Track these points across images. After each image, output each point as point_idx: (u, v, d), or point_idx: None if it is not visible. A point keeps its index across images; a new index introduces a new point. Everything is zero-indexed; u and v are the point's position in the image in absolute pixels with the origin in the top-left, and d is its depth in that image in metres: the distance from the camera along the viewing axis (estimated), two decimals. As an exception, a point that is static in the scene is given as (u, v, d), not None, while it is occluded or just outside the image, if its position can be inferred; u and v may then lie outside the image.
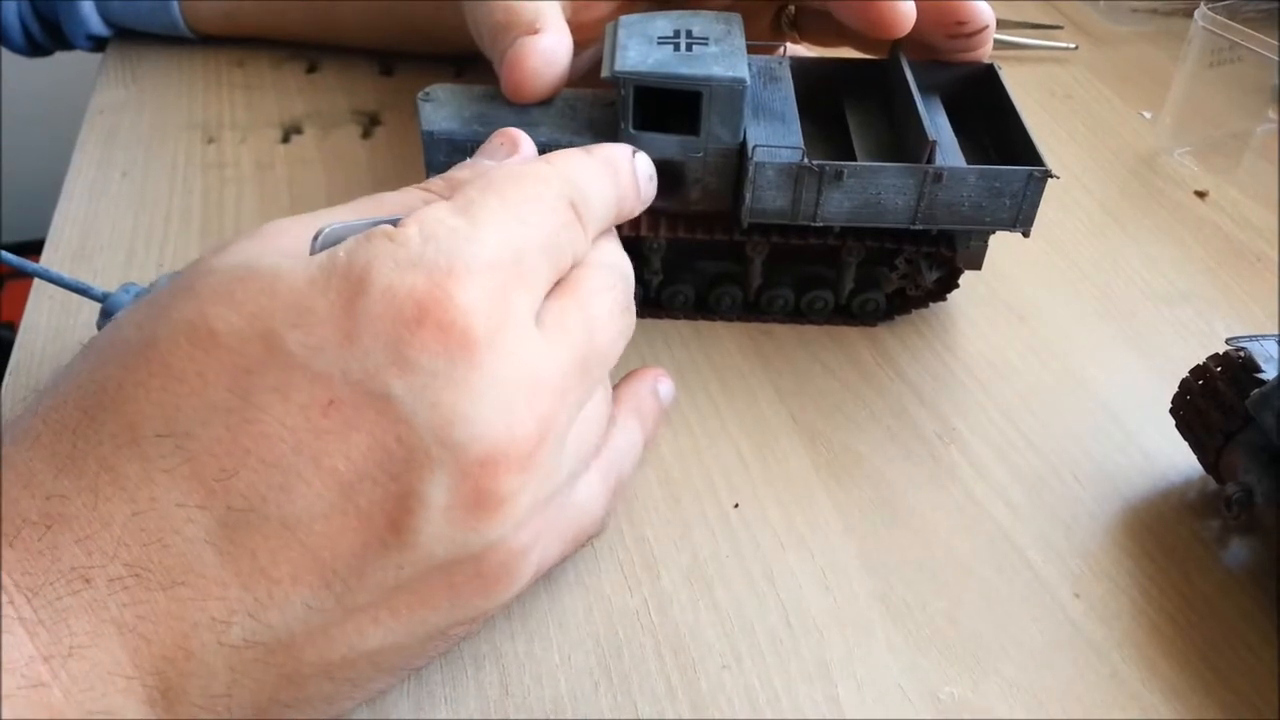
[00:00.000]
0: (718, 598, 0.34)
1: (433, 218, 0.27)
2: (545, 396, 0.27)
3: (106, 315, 0.38)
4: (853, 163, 0.39)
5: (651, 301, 0.45)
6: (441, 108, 0.43)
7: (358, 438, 0.24)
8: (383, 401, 0.24)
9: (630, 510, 0.37)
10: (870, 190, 0.40)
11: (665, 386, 0.39)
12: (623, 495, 0.36)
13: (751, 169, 0.39)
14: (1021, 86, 0.61)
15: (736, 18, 0.43)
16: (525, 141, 0.36)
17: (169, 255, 0.48)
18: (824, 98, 0.46)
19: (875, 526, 0.37)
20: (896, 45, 0.45)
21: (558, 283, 0.30)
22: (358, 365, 0.24)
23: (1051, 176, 0.39)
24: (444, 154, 0.42)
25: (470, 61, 0.63)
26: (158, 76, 0.60)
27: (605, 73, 0.41)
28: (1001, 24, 0.67)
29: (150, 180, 0.53)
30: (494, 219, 0.28)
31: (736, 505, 0.37)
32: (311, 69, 0.62)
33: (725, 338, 0.44)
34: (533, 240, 0.28)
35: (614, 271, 0.32)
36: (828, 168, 0.39)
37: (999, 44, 0.66)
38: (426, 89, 0.44)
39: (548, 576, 0.35)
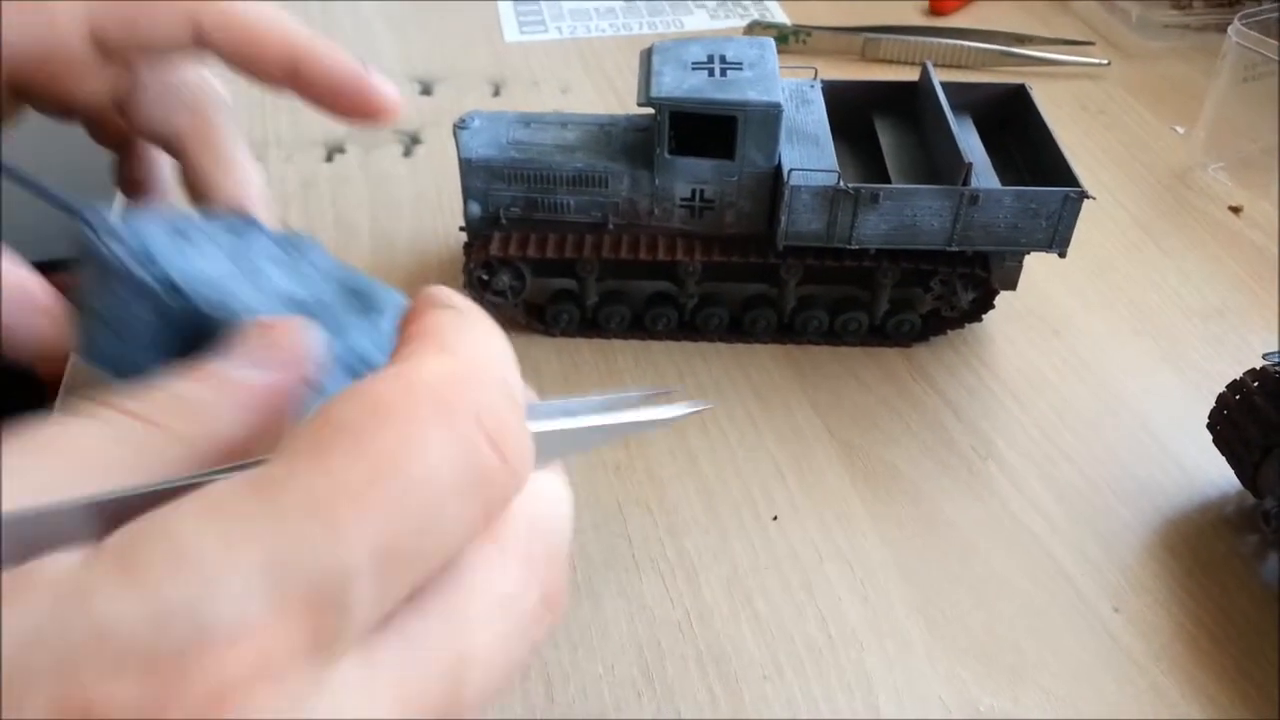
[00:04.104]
0: (758, 609, 0.35)
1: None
2: None
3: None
4: (888, 186, 0.40)
5: (686, 324, 0.46)
6: (478, 134, 0.44)
7: None
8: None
9: (670, 522, 0.38)
10: (906, 212, 0.40)
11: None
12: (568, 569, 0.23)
13: (787, 192, 0.40)
14: (1053, 102, 0.61)
15: (769, 42, 0.44)
16: (295, 360, 0.21)
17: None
18: (855, 118, 0.46)
19: (913, 539, 0.37)
20: (927, 65, 0.46)
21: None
22: None
23: (1087, 198, 0.40)
24: (481, 180, 0.44)
25: (507, 83, 0.64)
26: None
27: (640, 98, 0.42)
28: (1032, 40, 0.68)
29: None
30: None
31: (775, 518, 0.38)
32: (354, 91, 0.64)
33: (761, 356, 0.45)
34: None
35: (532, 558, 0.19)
36: (863, 191, 0.40)
37: (1031, 60, 0.66)
38: (463, 115, 0.45)
39: (589, 588, 0.36)
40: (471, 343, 0.19)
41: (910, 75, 0.47)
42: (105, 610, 0.14)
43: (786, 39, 0.66)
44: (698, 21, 0.71)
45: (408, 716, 0.16)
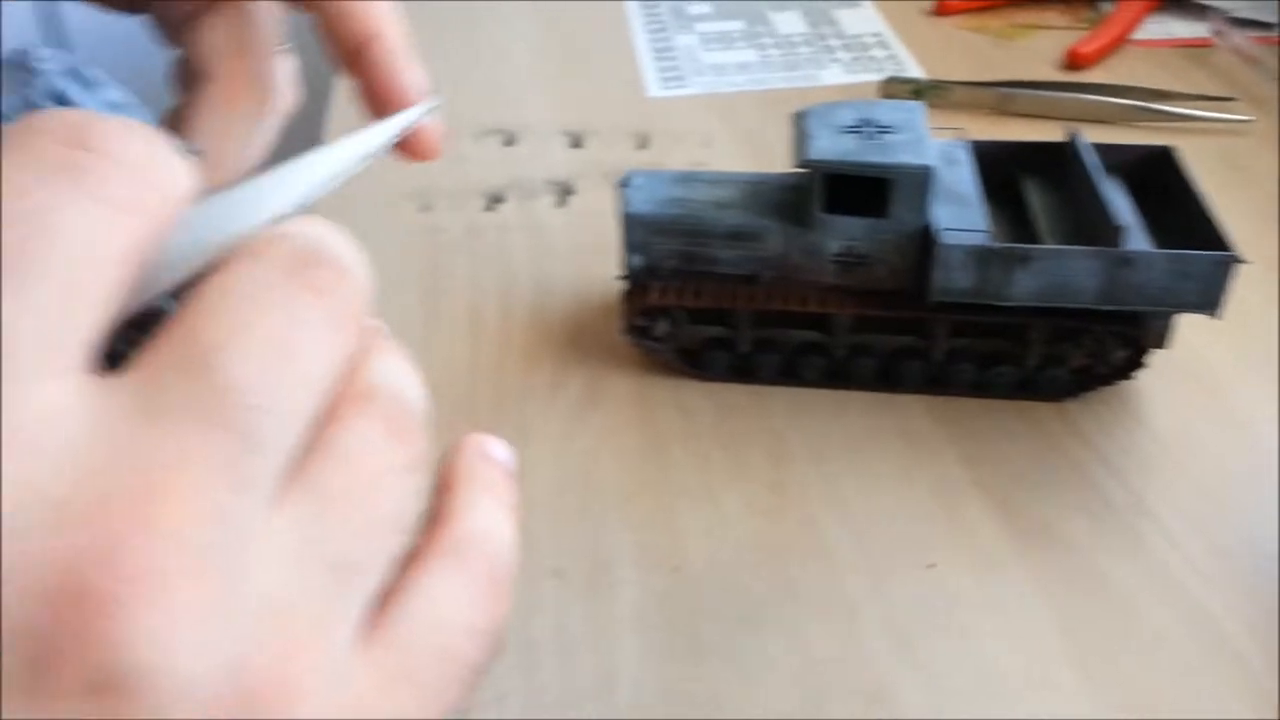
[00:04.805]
0: (917, 653, 0.37)
1: None
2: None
3: None
4: (1039, 246, 0.42)
5: (836, 373, 0.48)
6: (639, 191, 0.47)
7: None
8: None
9: (828, 564, 0.40)
10: (1057, 272, 0.42)
11: (498, 449, 0.25)
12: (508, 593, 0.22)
13: (939, 250, 0.42)
14: (1196, 158, 0.61)
15: (918, 106, 0.45)
16: None
17: (392, 315, 0.53)
18: (1001, 176, 0.48)
19: (1068, 592, 0.38)
20: (1074, 127, 0.47)
21: None
22: None
23: (1241, 262, 0.40)
24: (642, 233, 0.47)
25: (651, 137, 0.67)
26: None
27: (795, 160, 0.44)
28: (1172, 96, 0.68)
29: (370, 246, 0.58)
30: None
31: (932, 565, 0.39)
32: (509, 142, 0.68)
33: (910, 406, 0.47)
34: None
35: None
36: (1015, 250, 0.41)
37: (1171, 116, 0.67)
38: (625, 174, 0.48)
39: (752, 623, 0.38)
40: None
41: (1049, 131, 0.49)
42: None
43: (922, 93, 0.68)
44: (833, 76, 0.73)
45: (165, 423, 0.16)
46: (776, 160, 0.64)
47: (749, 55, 0.76)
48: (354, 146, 0.22)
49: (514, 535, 0.22)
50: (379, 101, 0.29)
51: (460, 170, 0.65)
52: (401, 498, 0.19)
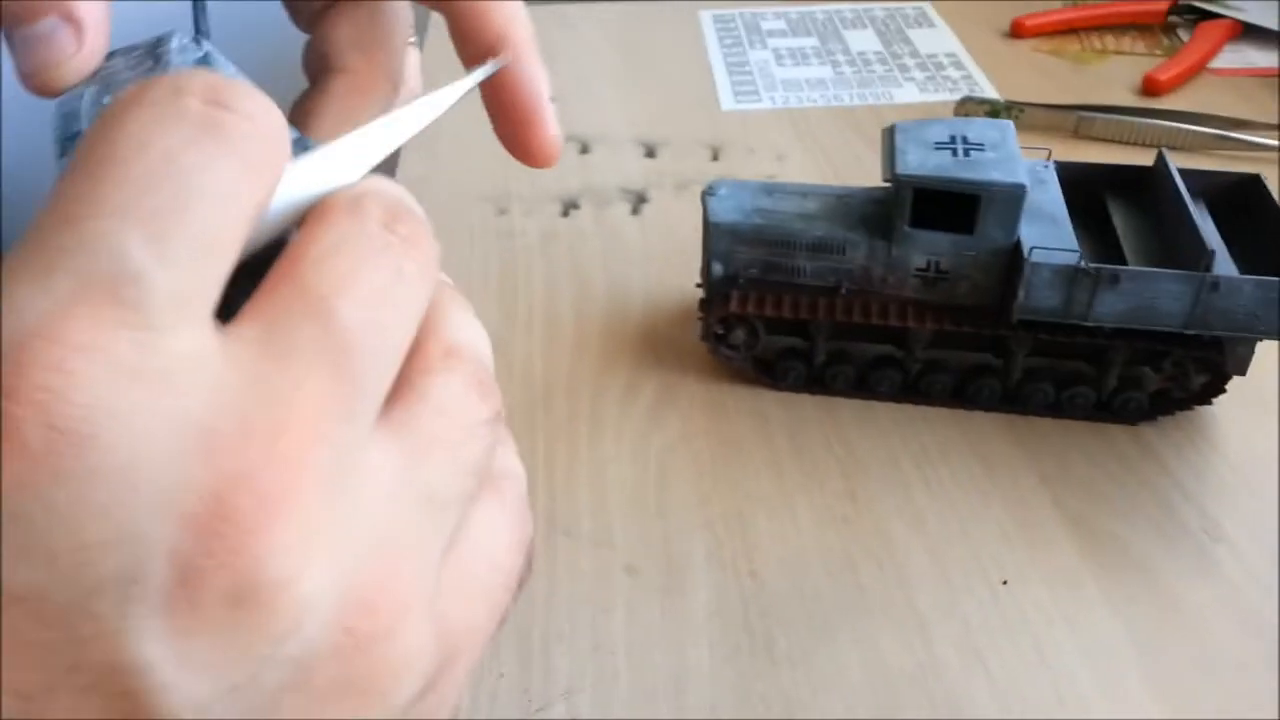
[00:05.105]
0: (990, 667, 0.37)
1: None
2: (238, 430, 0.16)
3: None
4: (1129, 268, 0.42)
5: (910, 387, 0.48)
6: (724, 201, 0.48)
7: None
8: None
9: (901, 576, 0.40)
10: (1144, 294, 0.42)
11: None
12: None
13: (1027, 269, 0.42)
14: (1272, 187, 0.61)
15: (1009, 125, 0.46)
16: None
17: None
18: (1087, 199, 0.48)
19: (1144, 614, 0.38)
20: (1163, 152, 0.47)
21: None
22: None
23: (1330, 290, 0.40)
24: (725, 242, 0.47)
25: (724, 149, 0.68)
26: (456, 152, 0.68)
27: (885, 174, 0.45)
28: (1251, 125, 0.67)
29: (449, 246, 0.60)
30: None
31: (1005, 582, 0.40)
32: (584, 150, 0.69)
33: (984, 424, 0.47)
34: None
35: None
36: (1103, 271, 0.41)
37: (1249, 145, 0.66)
38: (710, 183, 0.49)
39: (825, 630, 0.38)
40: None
41: (1126, 156, 0.49)
42: None
43: (998, 114, 0.68)
44: (907, 94, 0.74)
45: (289, 364, 0.17)
46: (849, 175, 0.64)
47: (823, 72, 0.77)
48: (423, 109, 0.23)
49: (521, 468, 0.24)
50: (504, 104, 0.29)
51: (536, 176, 0.66)
52: (482, 447, 0.21)
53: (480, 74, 0.26)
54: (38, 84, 0.23)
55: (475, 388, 0.21)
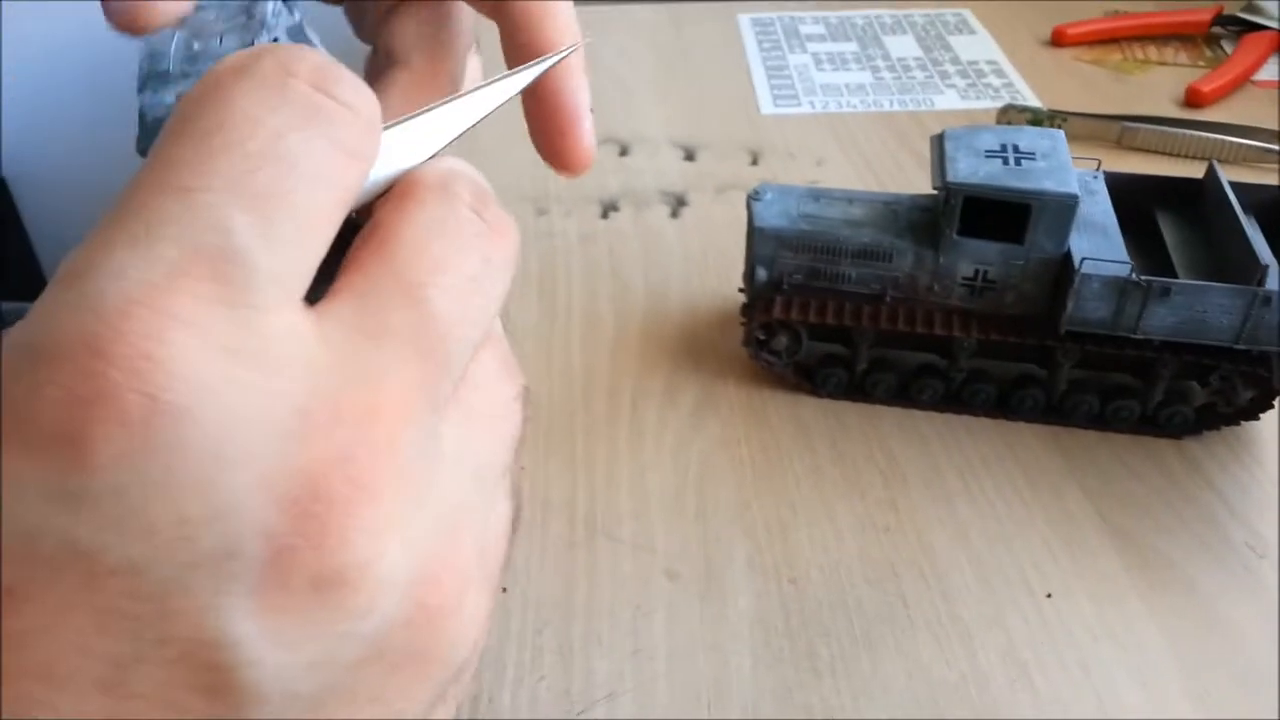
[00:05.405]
0: (1034, 681, 0.36)
1: None
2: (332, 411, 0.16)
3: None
4: (1180, 281, 0.41)
5: (952, 397, 0.48)
6: (770, 206, 0.48)
7: (77, 619, 0.15)
8: (76, 560, 0.15)
9: (944, 588, 0.40)
10: (1195, 308, 0.41)
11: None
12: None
13: (1076, 280, 0.42)
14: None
15: (1060, 134, 0.45)
16: None
17: (509, 316, 0.54)
18: (1134, 210, 0.47)
19: (1189, 629, 0.38)
20: (1214, 164, 0.47)
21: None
22: (19, 530, 0.15)
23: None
24: (770, 247, 0.47)
25: (763, 154, 0.68)
26: (496, 152, 0.68)
27: (935, 182, 0.44)
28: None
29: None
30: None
31: (1049, 595, 0.39)
32: (623, 152, 0.69)
33: (1027, 435, 0.47)
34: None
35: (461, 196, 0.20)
36: (1155, 283, 0.41)
37: (1297, 158, 0.65)
38: (756, 188, 0.48)
39: (866, 641, 0.38)
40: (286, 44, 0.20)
41: (1169, 167, 0.48)
42: (22, 332, 0.16)
43: (1040, 123, 0.68)
44: (948, 101, 0.73)
45: (382, 347, 0.17)
46: (890, 182, 0.64)
47: (863, 77, 0.77)
48: (496, 91, 0.23)
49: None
50: (545, 111, 0.29)
51: (576, 177, 0.66)
52: (516, 423, 0.21)
53: (551, 60, 0.26)
54: (126, 21, 0.22)
55: (504, 365, 0.21)
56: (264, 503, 0.15)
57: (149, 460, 0.15)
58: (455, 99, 0.22)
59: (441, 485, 0.18)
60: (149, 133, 0.24)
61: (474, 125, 0.22)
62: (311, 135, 0.17)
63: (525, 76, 0.25)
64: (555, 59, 0.26)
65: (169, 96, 0.24)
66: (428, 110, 0.22)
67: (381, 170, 0.20)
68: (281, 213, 0.17)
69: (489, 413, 0.20)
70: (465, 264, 0.19)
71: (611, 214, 0.63)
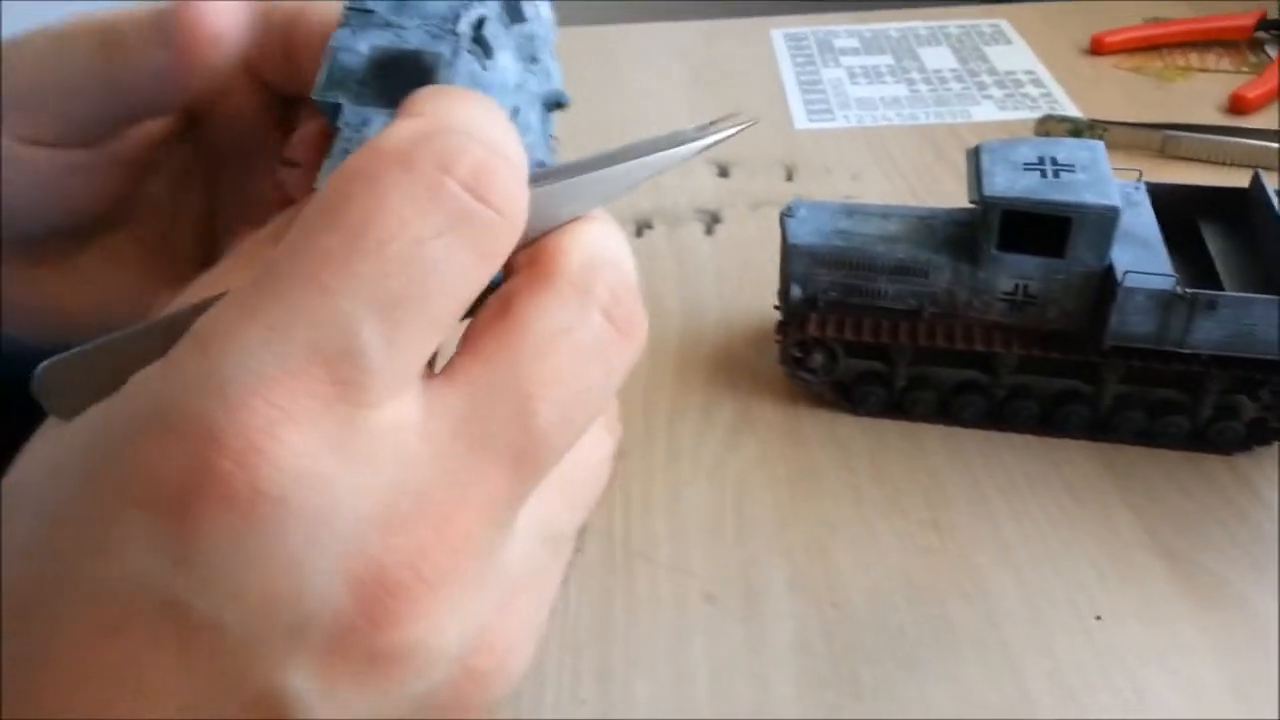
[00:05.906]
0: (1085, 706, 0.36)
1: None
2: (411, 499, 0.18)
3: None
4: (1227, 294, 0.40)
5: (994, 414, 0.47)
6: (804, 222, 0.47)
7: (165, 658, 0.17)
8: (171, 611, 0.17)
9: (989, 610, 0.39)
10: (1243, 320, 0.40)
11: None
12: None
13: (1120, 294, 0.41)
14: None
15: (1099, 145, 0.45)
16: None
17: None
18: (1178, 221, 0.46)
19: (1248, 654, 0.37)
20: (1258, 173, 0.46)
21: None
22: (128, 574, 0.17)
23: None
24: (804, 264, 0.47)
25: (798, 169, 0.68)
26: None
27: (972, 196, 0.44)
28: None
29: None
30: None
31: (1099, 617, 0.38)
32: (657, 170, 0.69)
33: (1072, 452, 0.46)
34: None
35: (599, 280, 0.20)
36: (1200, 296, 0.40)
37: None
38: (789, 204, 0.48)
39: (909, 664, 0.37)
40: (443, 107, 0.20)
41: (1213, 175, 0.47)
42: (151, 391, 0.17)
43: (1080, 133, 0.67)
44: (985, 112, 0.72)
45: (478, 452, 0.18)
46: (927, 196, 0.64)
47: (898, 90, 0.76)
48: (662, 158, 0.22)
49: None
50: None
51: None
52: (604, 478, 0.23)
53: (727, 134, 0.24)
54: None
55: (607, 426, 0.22)
56: (339, 585, 0.17)
57: (247, 539, 0.16)
58: (624, 160, 0.22)
59: (508, 563, 0.19)
60: (333, 79, 0.23)
61: (632, 188, 0.22)
62: (454, 243, 0.18)
63: (692, 149, 0.24)
64: (737, 130, 0.25)
65: (362, 44, 0.23)
66: (590, 171, 0.21)
67: (545, 217, 0.20)
68: (410, 319, 0.18)
69: (576, 478, 0.21)
70: (584, 378, 0.19)
71: (645, 232, 0.62)
